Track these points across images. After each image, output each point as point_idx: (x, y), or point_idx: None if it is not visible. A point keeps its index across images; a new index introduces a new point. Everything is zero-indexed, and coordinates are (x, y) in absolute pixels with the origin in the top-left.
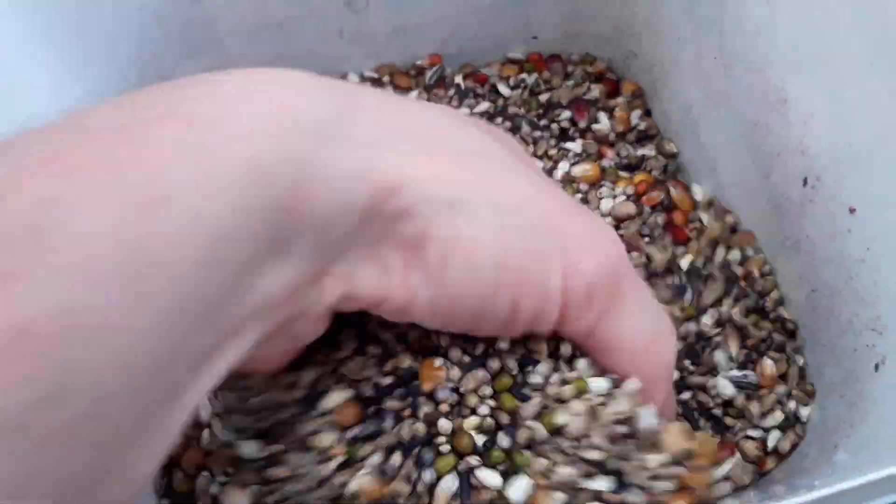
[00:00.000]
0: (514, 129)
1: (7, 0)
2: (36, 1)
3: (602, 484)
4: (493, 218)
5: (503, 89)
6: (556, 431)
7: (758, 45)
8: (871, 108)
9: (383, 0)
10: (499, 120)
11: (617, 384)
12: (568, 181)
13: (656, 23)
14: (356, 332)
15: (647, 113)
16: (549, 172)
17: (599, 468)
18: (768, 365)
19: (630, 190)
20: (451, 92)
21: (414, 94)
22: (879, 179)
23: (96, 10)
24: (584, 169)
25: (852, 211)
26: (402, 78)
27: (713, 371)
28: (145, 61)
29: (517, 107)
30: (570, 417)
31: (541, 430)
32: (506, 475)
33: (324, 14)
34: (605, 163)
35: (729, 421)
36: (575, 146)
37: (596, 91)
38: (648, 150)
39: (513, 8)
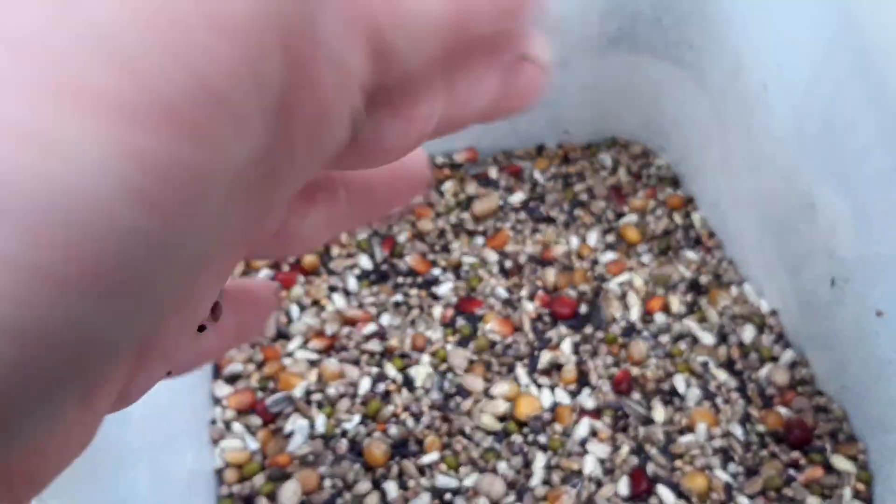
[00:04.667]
0: (549, 220)
1: None
2: None
3: None
4: None
5: (538, 179)
6: None
7: (785, 150)
8: (895, 216)
9: None
10: (534, 206)
11: None
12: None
13: (684, 120)
14: None
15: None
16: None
17: None
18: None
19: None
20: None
21: (449, 185)
22: None
23: None
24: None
25: (880, 314)
26: (437, 171)
27: None
28: None
29: (552, 196)
30: None
31: None
32: None
33: None
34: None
35: None
36: (610, 237)
37: (627, 181)
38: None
39: (544, 108)
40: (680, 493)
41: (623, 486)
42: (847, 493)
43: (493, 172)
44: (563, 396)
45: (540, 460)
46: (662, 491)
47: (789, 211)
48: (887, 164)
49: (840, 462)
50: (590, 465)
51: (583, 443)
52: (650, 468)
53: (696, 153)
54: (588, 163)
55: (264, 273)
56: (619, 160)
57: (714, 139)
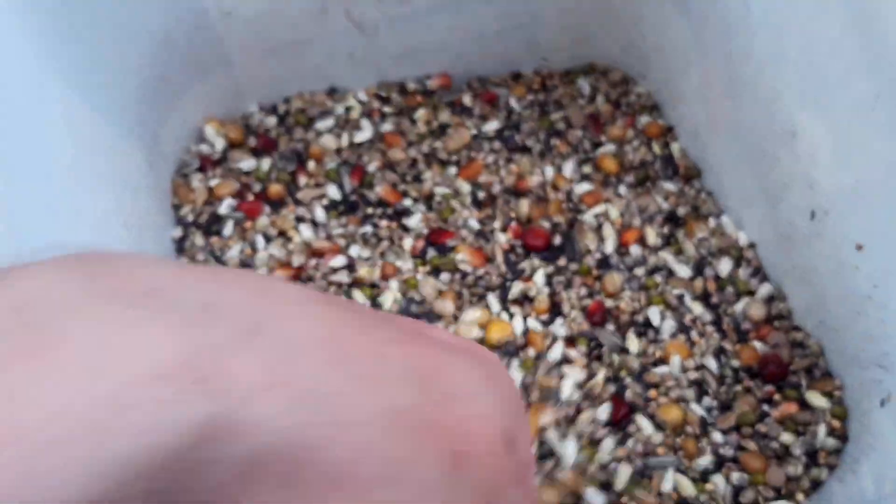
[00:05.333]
0: (525, 149)
1: (19, 22)
2: (46, 25)
3: None
4: None
5: (514, 106)
6: None
7: (766, 75)
8: (876, 145)
9: (393, 23)
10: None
11: None
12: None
13: (664, 46)
14: None
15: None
16: (567, 195)
17: None
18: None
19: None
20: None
21: (422, 112)
22: (886, 218)
23: (105, 33)
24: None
25: (859, 248)
26: (409, 98)
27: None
28: (156, 82)
29: (528, 125)
30: None
31: None
32: None
33: (333, 36)
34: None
35: None
36: (586, 168)
37: (606, 109)
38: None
39: (520, 32)
40: (657, 425)
41: (603, 412)
42: (822, 429)
43: (467, 100)
44: (534, 324)
45: (516, 380)
46: (640, 419)
47: (769, 139)
48: (869, 89)
49: (815, 398)
50: (567, 390)
51: (558, 365)
52: (627, 395)
53: (677, 80)
54: (566, 90)
55: (227, 202)
56: (597, 87)
57: (694, 65)
